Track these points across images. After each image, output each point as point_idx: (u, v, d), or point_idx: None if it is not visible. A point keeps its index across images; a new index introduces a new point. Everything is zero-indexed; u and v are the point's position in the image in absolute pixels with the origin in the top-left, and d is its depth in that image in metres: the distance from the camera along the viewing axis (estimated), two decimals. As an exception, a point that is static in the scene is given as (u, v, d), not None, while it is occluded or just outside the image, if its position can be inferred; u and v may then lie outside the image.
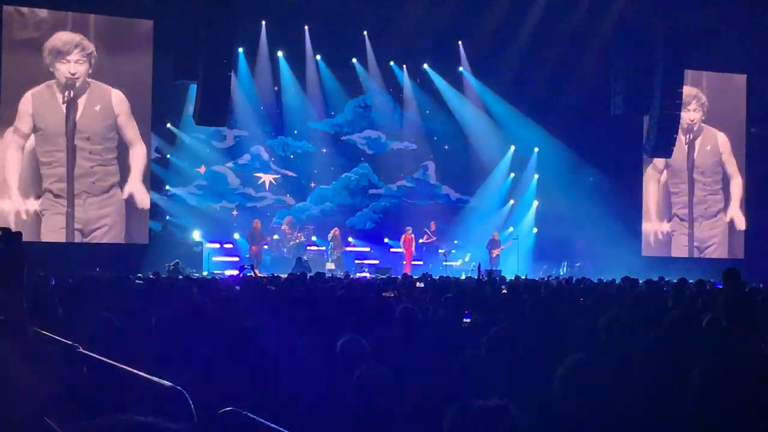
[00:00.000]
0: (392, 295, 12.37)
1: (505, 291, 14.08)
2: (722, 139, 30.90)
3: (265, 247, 27.03)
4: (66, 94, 24.05)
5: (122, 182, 24.66)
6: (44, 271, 15.78)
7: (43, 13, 24.01)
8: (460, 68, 29.89)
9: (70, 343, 4.18)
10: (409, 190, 30.55)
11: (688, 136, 30.31)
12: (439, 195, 30.87)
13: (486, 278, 19.34)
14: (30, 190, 23.73)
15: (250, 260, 25.13)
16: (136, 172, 24.85)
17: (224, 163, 28.19)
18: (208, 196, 27.83)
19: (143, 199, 24.97)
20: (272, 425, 2.87)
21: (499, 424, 3.53)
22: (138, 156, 24.86)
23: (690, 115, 30.01)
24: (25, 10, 23.88)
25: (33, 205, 23.71)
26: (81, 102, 24.22)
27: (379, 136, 30.14)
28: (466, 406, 3.62)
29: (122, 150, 24.71)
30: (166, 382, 3.67)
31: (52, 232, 23.82)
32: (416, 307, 8.17)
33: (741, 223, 30.93)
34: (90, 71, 24.33)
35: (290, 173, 29.00)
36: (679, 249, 30.58)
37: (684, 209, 30.66)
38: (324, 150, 29.49)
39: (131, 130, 24.76)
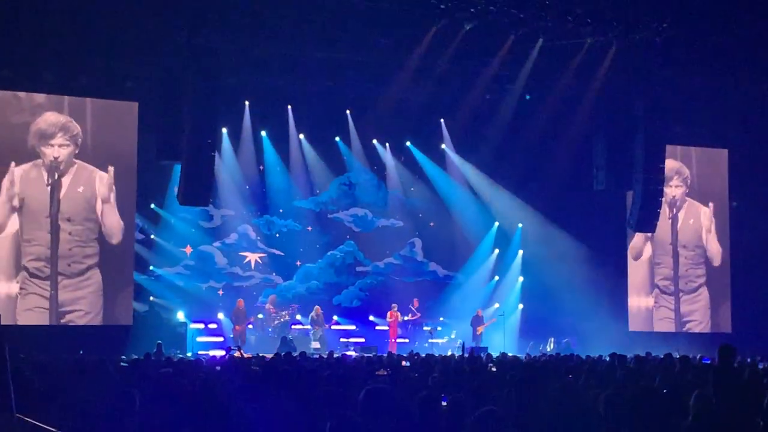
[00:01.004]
0: (385, 373, 12.30)
1: (494, 368, 14.01)
2: (705, 213, 31.03)
3: (250, 326, 26.83)
4: (51, 175, 24.02)
5: (101, 263, 24.47)
6: (25, 353, 15.65)
7: (40, 98, 24.11)
8: (443, 145, 30.06)
9: (54, 430, 4.11)
10: (397, 267, 30.47)
11: (672, 210, 30.44)
12: (427, 272, 30.80)
13: (468, 356, 19.26)
14: (10, 270, 23.55)
15: (235, 340, 24.99)
16: (114, 253, 24.69)
17: (212, 243, 28.12)
18: (196, 276, 27.71)
19: (123, 279, 24.83)
20: None
21: None
22: (116, 238, 24.71)
23: (672, 190, 30.17)
24: (21, 95, 23.96)
25: (12, 285, 23.52)
26: (65, 182, 24.18)
27: (365, 214, 30.17)
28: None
29: (103, 231, 24.58)
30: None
31: (28, 312, 23.52)
32: (391, 387, 8.05)
33: (725, 296, 30.90)
34: (76, 152, 24.34)
35: (277, 252, 28.95)
36: (665, 323, 30.48)
37: (668, 282, 30.66)
38: (309, 228, 29.46)
39: (111, 212, 24.64)
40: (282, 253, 29.03)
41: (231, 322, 26.27)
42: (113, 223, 24.67)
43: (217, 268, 28.16)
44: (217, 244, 28.20)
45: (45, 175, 24.01)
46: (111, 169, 24.70)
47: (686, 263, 30.82)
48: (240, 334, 25.62)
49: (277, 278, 28.98)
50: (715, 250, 31.06)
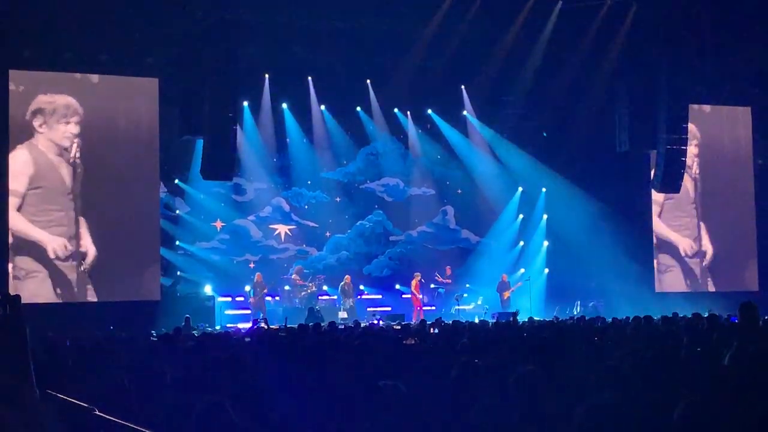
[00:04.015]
0: (413, 342, 12.34)
1: (524, 333, 14.04)
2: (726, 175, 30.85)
3: (277, 298, 27.00)
4: (67, 155, 24.01)
5: (127, 241, 24.45)
6: (54, 331, 15.80)
7: (58, 76, 24.18)
8: (464, 112, 29.97)
9: (87, 406, 4.16)
10: (430, 235, 30.54)
11: (694, 171, 30.21)
12: (461, 239, 30.87)
13: (505, 321, 19.27)
14: (31, 250, 23.65)
15: (254, 312, 25.19)
16: (139, 230, 24.73)
17: (245, 217, 28.30)
18: (232, 251, 27.99)
19: (149, 256, 24.99)
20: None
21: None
22: (138, 218, 24.60)
23: (694, 149, 29.90)
24: (37, 74, 24.04)
25: (35, 265, 23.65)
26: (79, 162, 24.16)
27: (397, 183, 30.21)
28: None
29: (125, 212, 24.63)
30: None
31: (54, 291, 23.62)
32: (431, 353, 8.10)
33: (751, 255, 30.69)
34: (89, 133, 24.30)
35: (311, 223, 29.07)
36: (691, 283, 30.37)
37: (693, 242, 30.50)
38: (338, 199, 29.56)
39: (128, 196, 24.56)
40: (316, 225, 29.16)
41: (244, 296, 26.51)
42: (132, 205, 24.66)
43: (253, 242, 28.38)
44: (251, 217, 28.38)
45: (59, 156, 23.95)
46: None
47: (710, 223, 30.64)
48: (258, 306, 25.80)
49: (311, 249, 29.17)
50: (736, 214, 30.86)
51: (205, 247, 27.48)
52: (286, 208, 28.89)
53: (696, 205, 30.54)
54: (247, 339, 14.20)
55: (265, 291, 26.57)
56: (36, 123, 23.85)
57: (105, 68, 24.51)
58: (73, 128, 24.14)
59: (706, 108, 30.72)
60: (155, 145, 24.97)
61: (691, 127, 29.56)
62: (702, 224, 30.62)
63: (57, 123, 24.03)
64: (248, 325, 21.89)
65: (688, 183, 29.73)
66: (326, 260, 29.31)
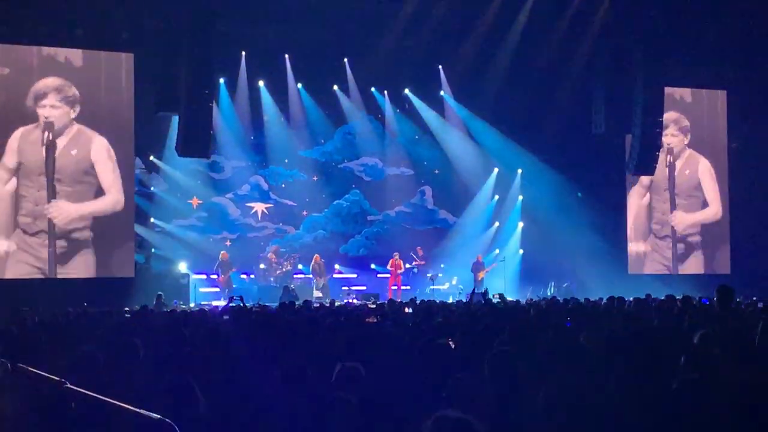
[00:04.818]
0: (374, 320, 12.36)
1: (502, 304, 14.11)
2: (704, 165, 30.95)
3: (252, 276, 26.99)
4: (45, 135, 24.01)
5: (101, 220, 24.54)
6: (29, 306, 15.75)
7: (36, 51, 24.07)
8: (442, 92, 29.91)
9: (57, 378, 4.14)
10: (408, 215, 30.56)
11: (668, 158, 30.32)
12: (438, 219, 30.90)
13: (477, 301, 19.29)
14: (8, 227, 23.65)
15: (222, 290, 25.21)
16: (108, 215, 24.68)
17: (223, 194, 28.27)
18: (210, 228, 28.00)
19: (124, 233, 24.94)
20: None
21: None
22: (111, 201, 24.69)
23: (669, 138, 29.94)
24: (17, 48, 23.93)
25: (9, 242, 23.61)
26: (60, 143, 24.17)
27: (375, 163, 30.19)
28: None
29: (99, 192, 24.62)
30: (155, 414, 3.65)
31: (25, 266, 23.64)
32: (405, 332, 8.12)
33: (724, 238, 30.93)
34: (73, 115, 24.28)
35: (288, 202, 29.02)
36: (664, 266, 30.56)
37: (666, 226, 30.68)
38: (315, 178, 29.52)
39: (109, 176, 24.62)
40: (294, 203, 29.11)
41: (217, 274, 26.43)
42: (111, 185, 24.60)
43: (230, 220, 28.38)
44: (229, 195, 28.33)
45: (40, 135, 24.02)
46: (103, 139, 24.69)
47: (684, 206, 30.80)
48: (226, 284, 25.87)
49: (289, 228, 29.17)
50: (713, 200, 31.03)
51: (181, 224, 27.43)
52: (264, 186, 28.85)
53: (670, 191, 30.67)
54: (226, 317, 14.17)
55: (233, 270, 26.57)
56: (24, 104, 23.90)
57: (80, 43, 24.34)
58: (46, 111, 24.09)
59: (687, 94, 30.79)
60: (131, 121, 24.85)
61: (672, 114, 29.70)
62: (676, 207, 30.77)
63: (35, 105, 23.95)
64: (223, 303, 21.89)
65: (663, 169, 29.87)
66: (303, 239, 29.29)
